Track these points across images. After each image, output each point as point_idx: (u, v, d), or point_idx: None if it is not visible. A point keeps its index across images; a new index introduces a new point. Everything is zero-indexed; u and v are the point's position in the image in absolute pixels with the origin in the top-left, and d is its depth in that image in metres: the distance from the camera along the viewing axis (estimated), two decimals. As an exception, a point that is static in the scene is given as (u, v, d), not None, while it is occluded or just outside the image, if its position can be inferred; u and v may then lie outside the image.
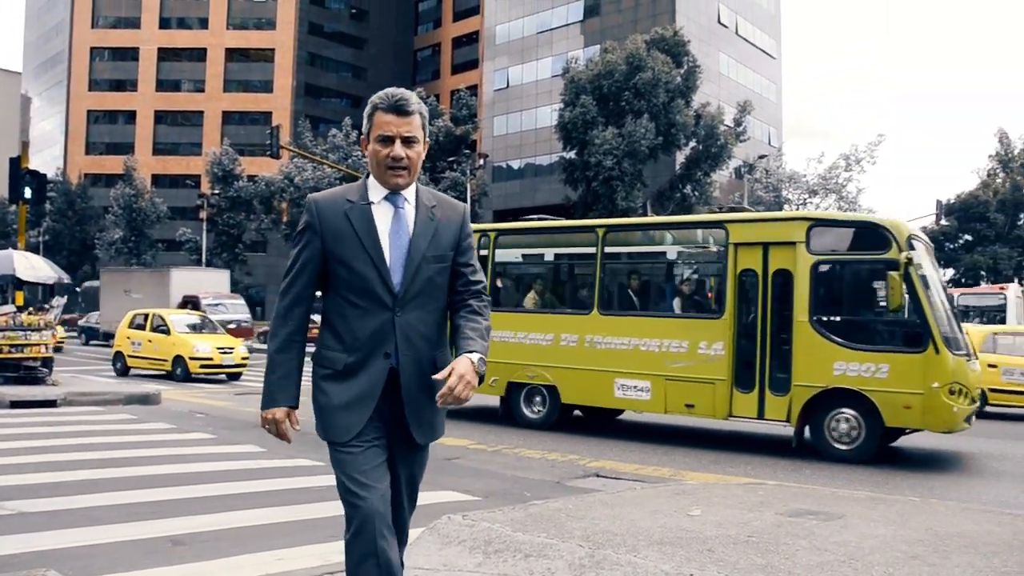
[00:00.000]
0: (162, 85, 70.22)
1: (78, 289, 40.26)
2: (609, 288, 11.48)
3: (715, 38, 57.98)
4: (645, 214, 39.47)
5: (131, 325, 20.23)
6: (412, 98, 2.69)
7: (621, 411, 12.14)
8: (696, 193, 44.25)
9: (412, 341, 2.67)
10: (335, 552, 4.51)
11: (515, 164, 61.21)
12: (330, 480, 7.04)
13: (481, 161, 47.32)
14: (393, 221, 2.70)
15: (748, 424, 11.08)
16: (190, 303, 27.71)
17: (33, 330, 13.90)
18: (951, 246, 49.56)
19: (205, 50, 69.70)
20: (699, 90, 43.78)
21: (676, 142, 42.77)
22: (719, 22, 59.29)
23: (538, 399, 11.59)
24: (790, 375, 9.52)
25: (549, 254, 12.80)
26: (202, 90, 69.76)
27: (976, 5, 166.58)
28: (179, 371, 18.62)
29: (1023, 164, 49.99)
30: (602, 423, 12.22)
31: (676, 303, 10.92)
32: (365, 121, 2.75)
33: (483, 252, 12.05)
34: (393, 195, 2.72)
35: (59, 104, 73.34)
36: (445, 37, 74.36)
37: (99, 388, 14.33)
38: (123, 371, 19.81)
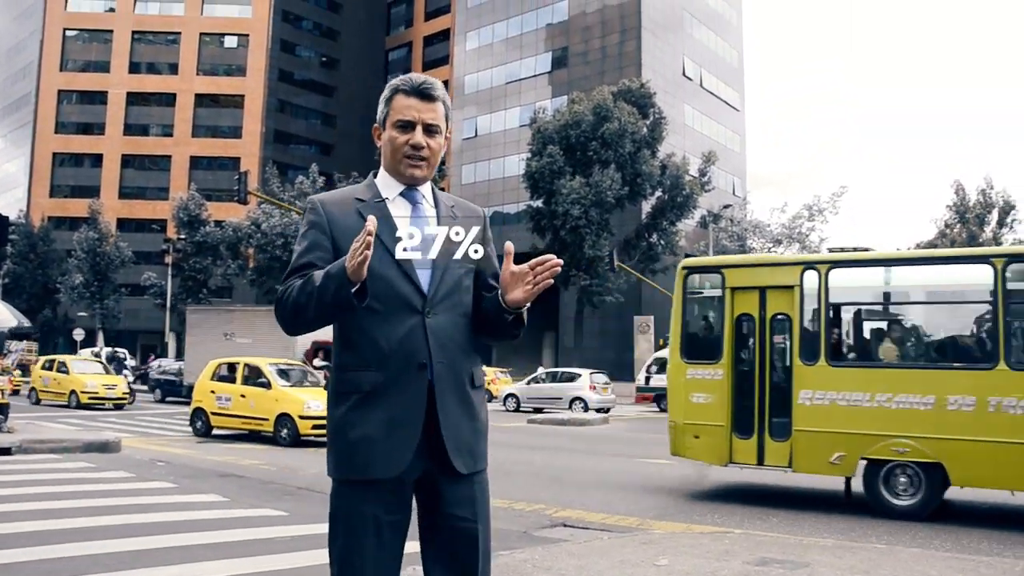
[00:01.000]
0: (130, 129, 69.92)
1: None
2: (1019, 335, 9.03)
3: (680, 90, 59.26)
4: (611, 262, 39.84)
5: (214, 376, 17.21)
6: (437, 84, 2.42)
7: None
8: (662, 242, 44.89)
9: (447, 348, 2.31)
10: (299, 604, 4.44)
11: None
12: (296, 531, 6.96)
13: (449, 208, 47.50)
14: (413, 218, 2.36)
15: (715, 472, 11.05)
16: (322, 351, 22.96)
17: (-10, 376, 13.63)
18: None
19: (175, 95, 69.68)
20: (665, 141, 44.65)
21: (642, 192, 43.46)
22: (684, 75, 60.68)
23: (902, 479, 8.97)
24: None
25: (916, 292, 10.38)
26: (170, 135, 69.58)
27: (939, 23, 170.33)
28: (285, 432, 15.26)
29: (978, 215, 51.59)
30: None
31: None
32: (381, 106, 2.44)
33: (810, 288, 9.62)
34: (409, 191, 2.41)
35: (24, 146, 72.64)
36: (415, 86, 75.03)
37: (57, 435, 14.00)
38: (205, 431, 16.85)
